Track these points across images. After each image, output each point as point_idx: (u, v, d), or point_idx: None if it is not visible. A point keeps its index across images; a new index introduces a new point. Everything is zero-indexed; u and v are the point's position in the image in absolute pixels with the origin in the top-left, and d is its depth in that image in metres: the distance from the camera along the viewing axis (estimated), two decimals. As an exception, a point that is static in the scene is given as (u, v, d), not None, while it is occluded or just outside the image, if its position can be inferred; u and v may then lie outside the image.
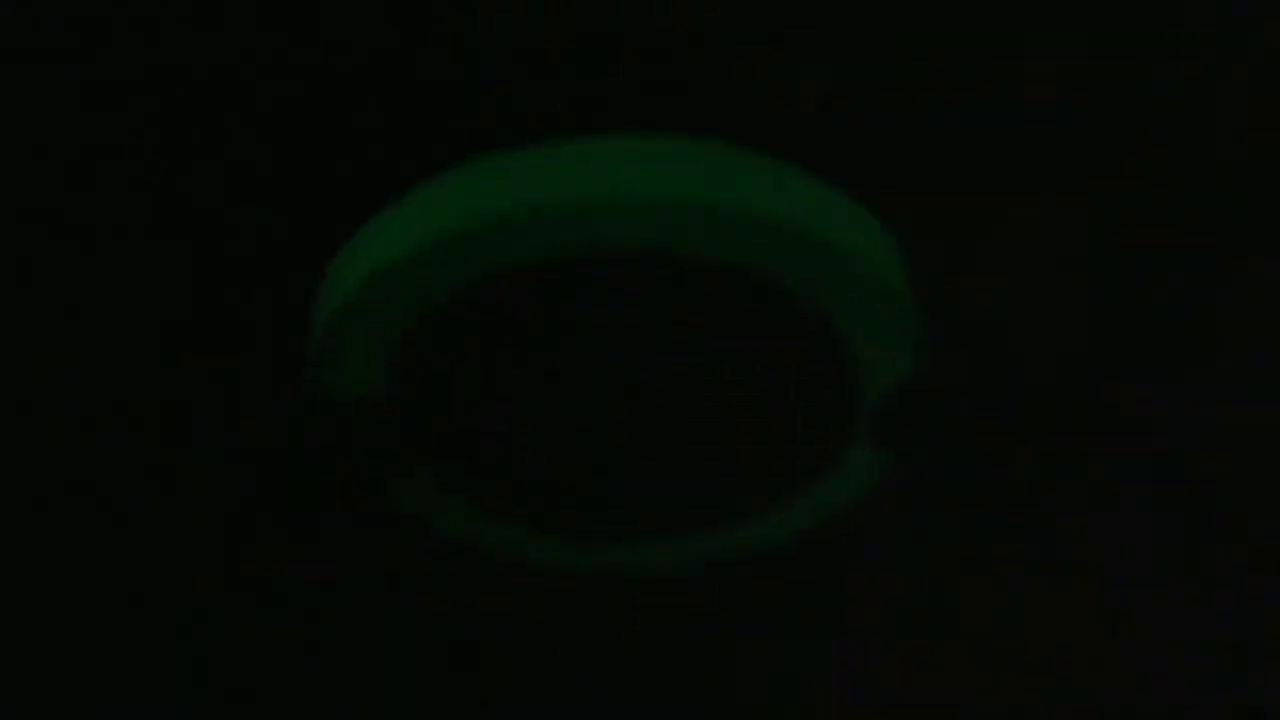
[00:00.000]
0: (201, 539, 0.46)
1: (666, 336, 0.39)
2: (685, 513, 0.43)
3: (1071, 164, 0.44)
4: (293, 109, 0.43)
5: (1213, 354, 0.45)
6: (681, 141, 0.38)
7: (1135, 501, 0.47)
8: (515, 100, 0.43)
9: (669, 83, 0.43)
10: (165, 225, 0.44)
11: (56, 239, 0.44)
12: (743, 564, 0.46)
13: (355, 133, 0.43)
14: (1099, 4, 0.43)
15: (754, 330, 0.39)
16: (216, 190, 0.43)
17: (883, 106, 0.43)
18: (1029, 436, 0.46)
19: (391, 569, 0.46)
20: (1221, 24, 0.43)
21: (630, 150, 0.37)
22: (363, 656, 0.46)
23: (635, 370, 0.40)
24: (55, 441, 0.45)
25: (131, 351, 0.44)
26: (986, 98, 0.43)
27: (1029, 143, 0.44)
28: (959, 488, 0.46)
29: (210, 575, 0.46)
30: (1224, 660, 0.47)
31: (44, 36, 0.42)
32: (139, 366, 0.44)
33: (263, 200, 0.43)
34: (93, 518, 0.46)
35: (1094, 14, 0.43)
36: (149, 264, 0.44)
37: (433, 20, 0.42)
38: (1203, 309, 0.45)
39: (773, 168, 0.38)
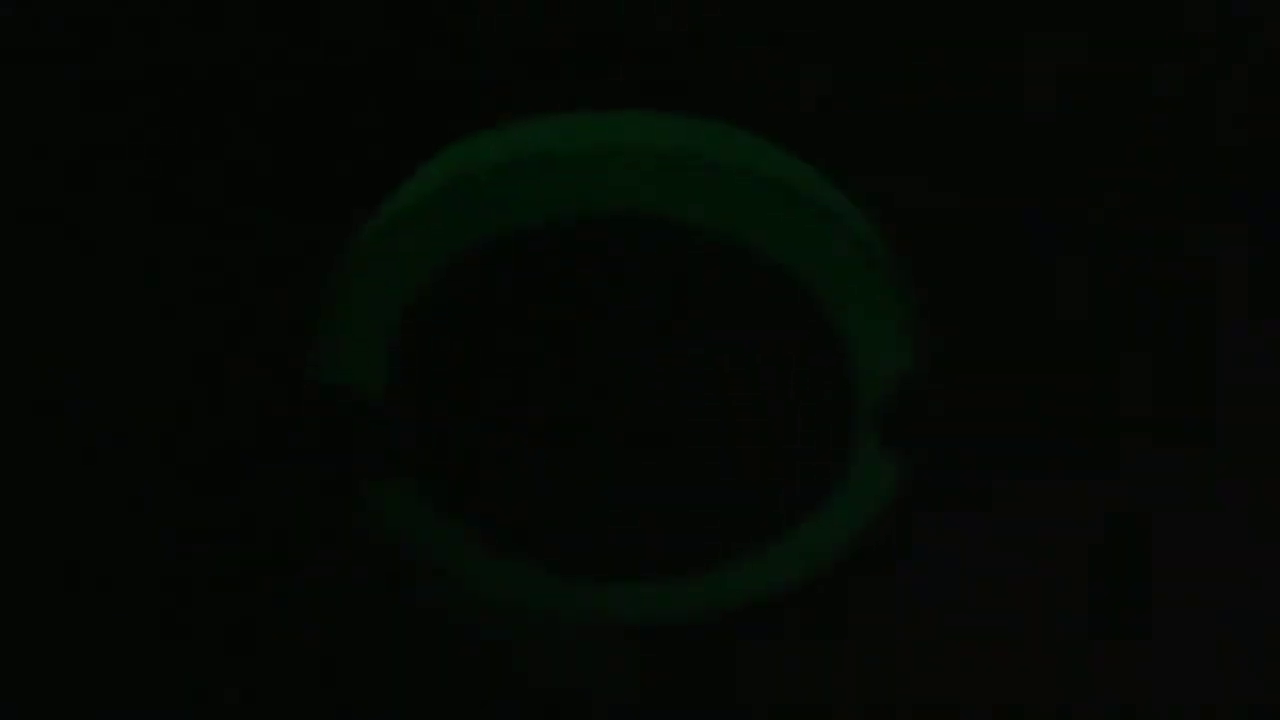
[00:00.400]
0: (201, 538, 0.46)
1: (666, 331, 0.39)
2: (690, 539, 0.43)
3: (1071, 163, 0.44)
4: (293, 109, 0.43)
5: (1214, 354, 0.45)
6: (685, 119, 0.38)
7: (1137, 500, 0.47)
8: (515, 100, 0.43)
9: (669, 83, 0.43)
10: (165, 225, 0.44)
11: (56, 239, 0.44)
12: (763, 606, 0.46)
13: (355, 133, 0.43)
14: (1099, 4, 0.43)
15: (753, 322, 0.39)
16: (216, 190, 0.43)
17: (883, 106, 0.43)
18: (1028, 436, 0.46)
19: (391, 569, 0.46)
20: (1221, 24, 0.43)
21: (631, 118, 0.37)
22: (362, 656, 0.46)
23: (635, 371, 0.40)
24: (55, 441, 0.45)
25: (132, 351, 0.44)
26: (986, 98, 0.43)
27: (1029, 142, 0.44)
28: (959, 487, 0.46)
29: (209, 575, 0.46)
30: (1231, 664, 0.47)
31: (44, 36, 0.42)
32: (139, 366, 0.44)
33: (263, 200, 0.43)
34: (93, 517, 0.46)
35: (1094, 14, 0.43)
36: (149, 264, 0.44)
37: (433, 20, 0.43)
38: (1202, 306, 0.45)
39: (773, 147, 0.38)
